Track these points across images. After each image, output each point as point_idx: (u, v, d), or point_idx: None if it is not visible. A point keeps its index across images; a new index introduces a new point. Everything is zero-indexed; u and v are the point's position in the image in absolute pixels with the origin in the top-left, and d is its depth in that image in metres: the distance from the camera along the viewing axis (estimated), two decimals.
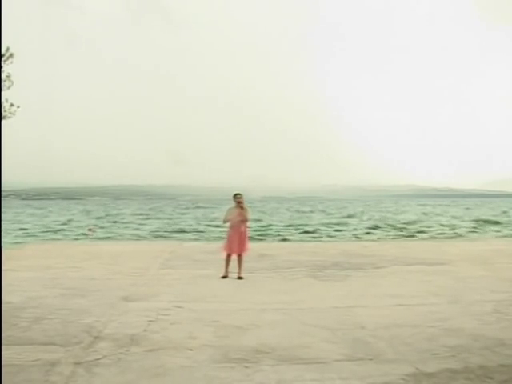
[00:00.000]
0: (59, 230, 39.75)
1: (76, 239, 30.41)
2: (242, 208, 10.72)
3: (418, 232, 36.29)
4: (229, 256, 10.77)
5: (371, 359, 5.44)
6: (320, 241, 27.83)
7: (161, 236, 33.05)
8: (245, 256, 10.90)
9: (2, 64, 11.24)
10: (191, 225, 46.97)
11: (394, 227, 41.53)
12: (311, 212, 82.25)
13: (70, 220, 57.54)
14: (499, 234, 34.54)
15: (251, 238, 12.42)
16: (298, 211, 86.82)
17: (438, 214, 67.43)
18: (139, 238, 31.69)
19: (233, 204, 10.86)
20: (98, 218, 59.75)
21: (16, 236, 32.83)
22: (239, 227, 10.64)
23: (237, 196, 10.84)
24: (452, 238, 30.26)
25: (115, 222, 52.93)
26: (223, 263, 10.81)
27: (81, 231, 37.03)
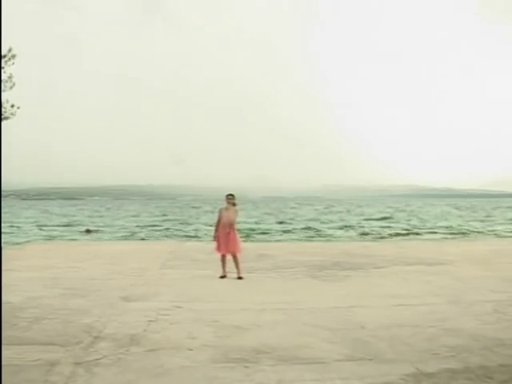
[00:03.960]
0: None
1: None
2: (228, 209, 10.76)
3: None
4: (223, 256, 10.80)
5: (371, 359, 5.44)
6: (320, 241, 27.84)
7: None
8: (240, 256, 10.87)
9: (3, 65, 11.25)
10: None
11: None
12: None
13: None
14: None
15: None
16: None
17: None
18: None
19: (225, 204, 10.88)
20: None
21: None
22: (226, 228, 10.67)
23: (228, 197, 10.89)
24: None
25: None
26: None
27: None
